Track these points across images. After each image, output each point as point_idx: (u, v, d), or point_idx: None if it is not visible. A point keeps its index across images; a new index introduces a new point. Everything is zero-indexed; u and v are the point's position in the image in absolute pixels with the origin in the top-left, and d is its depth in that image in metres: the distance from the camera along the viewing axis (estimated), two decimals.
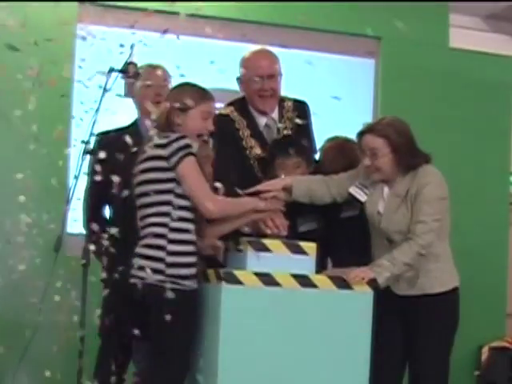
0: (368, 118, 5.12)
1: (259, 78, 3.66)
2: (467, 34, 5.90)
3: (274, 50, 3.87)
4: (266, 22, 5.17)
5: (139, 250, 3.13)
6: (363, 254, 3.45)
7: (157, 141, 3.09)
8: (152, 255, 3.07)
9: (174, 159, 3.05)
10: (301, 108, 3.82)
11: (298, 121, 3.72)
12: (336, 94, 5.41)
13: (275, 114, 3.75)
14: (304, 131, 3.77)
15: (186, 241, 3.10)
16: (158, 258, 3.06)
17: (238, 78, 3.80)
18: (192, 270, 3.09)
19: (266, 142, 3.70)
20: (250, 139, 3.68)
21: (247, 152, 3.66)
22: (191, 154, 3.07)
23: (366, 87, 5.70)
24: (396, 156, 3.33)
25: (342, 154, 3.70)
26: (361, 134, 3.39)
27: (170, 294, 2.98)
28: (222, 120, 3.51)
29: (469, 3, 5.65)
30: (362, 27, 5.05)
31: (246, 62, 3.75)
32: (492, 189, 5.85)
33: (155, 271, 3.04)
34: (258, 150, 3.67)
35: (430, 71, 5.59)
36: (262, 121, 3.73)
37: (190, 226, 3.12)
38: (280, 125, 3.73)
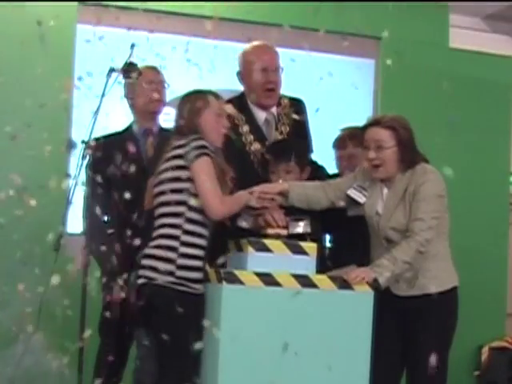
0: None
1: (264, 70, 3.64)
2: (467, 34, 5.90)
3: None
4: (265, 22, 5.16)
5: (149, 250, 3.14)
6: (366, 254, 3.45)
7: (177, 142, 3.14)
8: (163, 256, 3.08)
9: (190, 157, 3.09)
10: (297, 105, 3.81)
11: (295, 116, 3.72)
12: (336, 93, 5.43)
13: (274, 109, 3.74)
14: (301, 129, 3.76)
15: (197, 245, 3.12)
16: (169, 259, 3.07)
17: (238, 73, 3.77)
18: (200, 274, 3.11)
19: (266, 137, 3.69)
20: (250, 135, 3.67)
21: (247, 148, 3.65)
22: (206, 154, 3.10)
23: (366, 87, 5.70)
24: (400, 150, 3.33)
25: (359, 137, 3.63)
26: (366, 127, 3.39)
27: (179, 297, 3.01)
28: None
29: (469, 3, 5.65)
30: (361, 27, 5.05)
31: (248, 56, 3.71)
32: (492, 189, 5.85)
33: (165, 272, 3.05)
34: (257, 146, 3.66)
35: (429, 71, 5.58)
36: (261, 116, 3.71)
37: (203, 231, 3.14)
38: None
